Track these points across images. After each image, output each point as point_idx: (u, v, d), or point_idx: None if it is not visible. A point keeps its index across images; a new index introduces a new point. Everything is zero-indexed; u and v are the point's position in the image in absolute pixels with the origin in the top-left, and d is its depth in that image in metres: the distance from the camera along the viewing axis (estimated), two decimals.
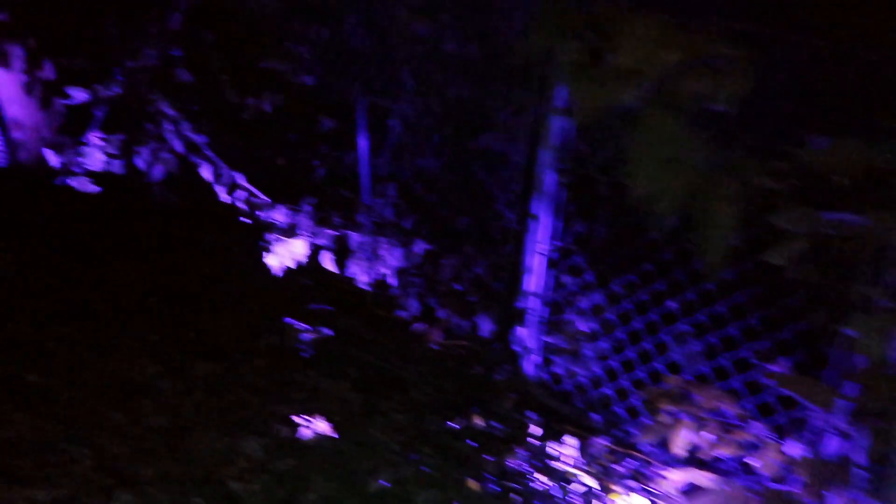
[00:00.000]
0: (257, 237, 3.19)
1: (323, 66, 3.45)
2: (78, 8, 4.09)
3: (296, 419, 2.66)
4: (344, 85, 3.40)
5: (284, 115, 3.49)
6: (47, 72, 4.53)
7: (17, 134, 4.47)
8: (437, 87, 3.19)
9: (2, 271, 3.55)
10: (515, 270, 2.98)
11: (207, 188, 3.41)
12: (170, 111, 3.11)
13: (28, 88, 4.46)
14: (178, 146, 3.56)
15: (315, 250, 3.12)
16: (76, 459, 2.60)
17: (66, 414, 2.84)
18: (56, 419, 2.81)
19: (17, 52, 4.33)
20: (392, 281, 3.09)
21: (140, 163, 3.61)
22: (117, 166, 3.49)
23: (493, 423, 2.71)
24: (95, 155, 3.29)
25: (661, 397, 2.30)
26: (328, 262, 3.11)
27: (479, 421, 2.73)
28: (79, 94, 3.30)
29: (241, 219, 3.28)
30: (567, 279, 2.82)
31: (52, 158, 3.33)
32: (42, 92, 4.53)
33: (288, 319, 3.16)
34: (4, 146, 4.54)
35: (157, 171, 3.71)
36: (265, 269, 3.24)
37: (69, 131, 4.10)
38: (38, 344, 3.16)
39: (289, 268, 3.16)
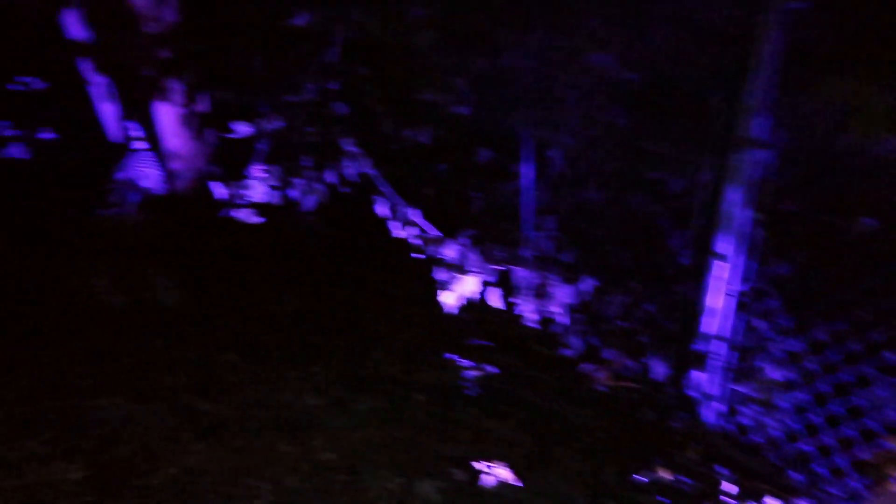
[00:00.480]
0: (421, 270, 3.17)
1: (480, 97, 3.40)
2: (237, 43, 4.26)
3: (473, 463, 2.58)
4: (502, 115, 3.33)
5: (441, 147, 3.47)
6: (203, 105, 4.75)
7: (174, 164, 4.71)
8: (603, 116, 3.07)
9: (168, 299, 3.70)
10: (692, 311, 2.80)
11: (369, 219, 3.43)
12: (337, 144, 3.14)
13: (186, 121, 4.69)
14: (334, 177, 3.60)
15: (481, 286, 3.07)
16: (255, 494, 2.63)
17: (240, 444, 2.89)
18: (231, 449, 2.86)
19: (176, 87, 4.56)
20: (560, 319, 2.98)
21: (295, 193, 3.68)
22: (276, 197, 3.57)
23: (681, 478, 2.54)
24: (258, 187, 3.36)
25: (888, 461, 2.07)
26: (495, 298, 3.04)
27: (664, 474, 2.55)
28: (243, 129, 3.39)
29: (412, 254, 3.27)
30: (759, 323, 2.61)
31: (218, 190, 3.44)
32: (198, 124, 4.75)
33: (449, 355, 3.11)
34: (163, 176, 4.78)
35: (311, 202, 3.77)
36: (424, 301, 3.21)
37: (224, 162, 4.25)
38: (207, 373, 3.24)
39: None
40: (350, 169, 3.53)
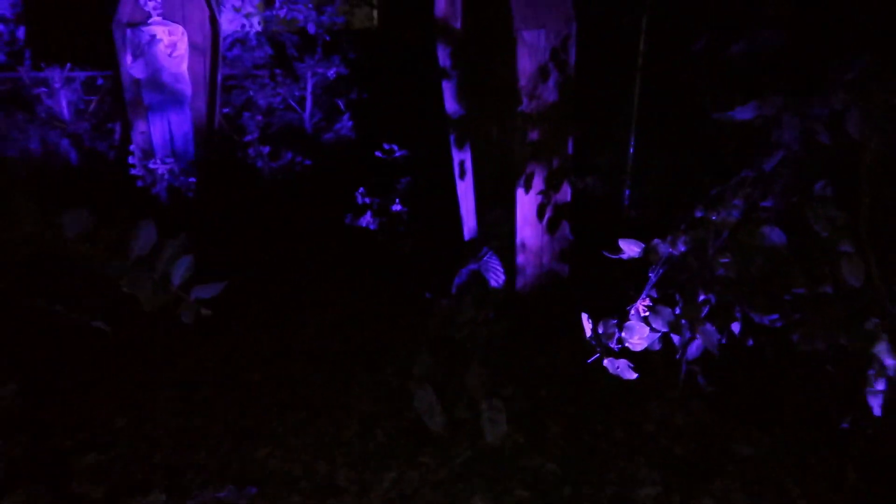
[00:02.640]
0: None
1: None
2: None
3: None
4: None
5: None
6: (565, 193, 4.06)
7: (519, 258, 4.08)
8: None
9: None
10: None
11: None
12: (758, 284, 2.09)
13: (540, 211, 4.04)
14: (738, 326, 2.52)
15: None
16: None
17: None
18: None
19: (542, 173, 3.94)
20: None
21: (676, 338, 2.67)
22: (654, 340, 2.60)
23: None
24: (640, 329, 2.43)
25: None
26: None
27: None
28: (630, 249, 2.51)
29: None
30: None
31: (586, 326, 2.60)
32: (554, 214, 4.08)
33: None
34: (504, 275, 4.19)
35: (694, 350, 2.73)
36: None
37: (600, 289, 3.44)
38: None
39: None
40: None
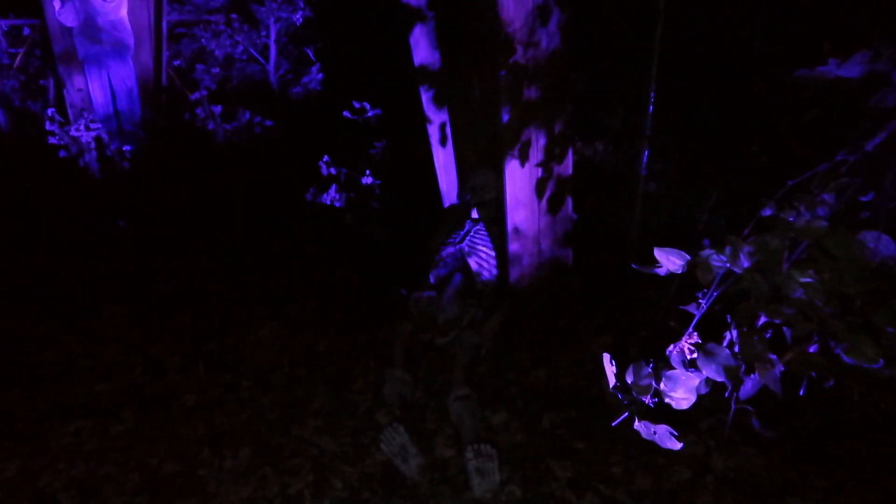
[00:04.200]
0: None
1: None
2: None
3: None
4: None
5: None
6: (567, 165, 3.29)
7: (513, 245, 3.33)
8: None
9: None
10: None
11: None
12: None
13: (539, 188, 3.28)
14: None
15: None
16: None
17: None
18: None
19: (539, 141, 3.16)
20: None
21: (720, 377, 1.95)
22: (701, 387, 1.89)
23: None
24: (684, 379, 1.71)
25: None
26: None
27: None
28: (670, 261, 1.77)
29: None
30: None
31: (609, 373, 1.87)
32: (555, 191, 3.32)
33: None
34: (495, 260, 3.44)
35: (750, 386, 2.03)
36: None
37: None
38: None
39: None
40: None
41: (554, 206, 3.33)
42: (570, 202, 3.38)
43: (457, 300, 3.36)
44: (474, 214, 3.56)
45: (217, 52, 6.20)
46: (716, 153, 2.94)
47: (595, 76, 3.59)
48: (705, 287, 1.73)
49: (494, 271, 3.48)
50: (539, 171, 3.20)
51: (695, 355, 1.77)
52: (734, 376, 1.75)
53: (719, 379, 1.76)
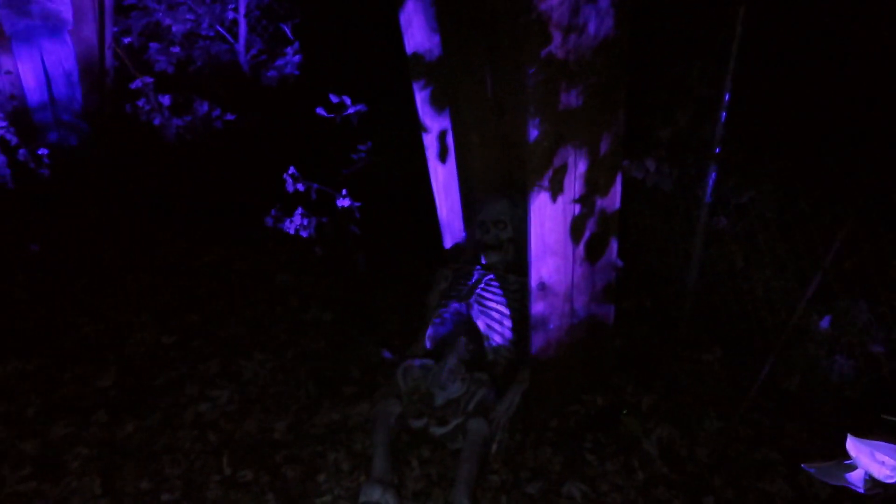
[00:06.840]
0: None
1: None
2: None
3: None
4: None
5: None
6: (614, 197, 2.38)
7: (537, 305, 2.41)
8: None
9: None
10: None
11: None
12: None
13: (575, 229, 2.36)
14: None
15: None
16: None
17: None
18: None
19: (578, 167, 2.24)
20: None
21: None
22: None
23: None
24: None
25: None
26: None
27: None
28: (869, 463, 0.86)
29: None
30: None
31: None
32: (596, 232, 2.41)
33: None
34: (510, 321, 2.55)
35: None
36: None
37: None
38: None
39: None
40: None
41: (594, 253, 2.42)
42: (614, 246, 2.48)
43: (460, 373, 2.48)
44: (484, 259, 2.66)
45: (175, 28, 5.21)
46: (828, 188, 2.04)
47: (647, 69, 2.67)
48: None
49: (509, 334, 2.59)
50: (576, 208, 2.29)
51: None
52: None
53: None
